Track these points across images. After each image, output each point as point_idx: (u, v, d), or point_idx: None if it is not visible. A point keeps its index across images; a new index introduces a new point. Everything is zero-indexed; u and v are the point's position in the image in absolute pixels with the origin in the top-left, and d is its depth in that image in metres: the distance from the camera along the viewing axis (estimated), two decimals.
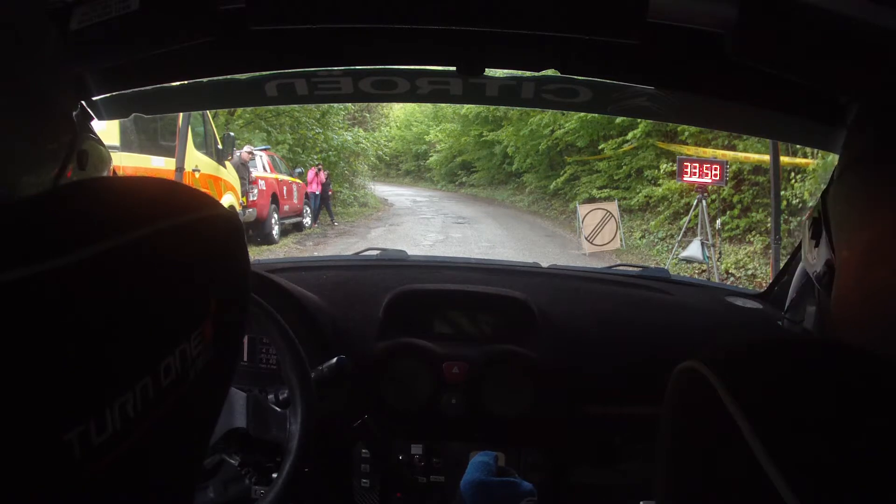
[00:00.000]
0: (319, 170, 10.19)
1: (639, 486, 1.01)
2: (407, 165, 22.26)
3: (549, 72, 0.87)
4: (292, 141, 10.99)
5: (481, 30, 0.68)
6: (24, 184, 0.33)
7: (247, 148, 7.80)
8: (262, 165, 8.34)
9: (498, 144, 14.47)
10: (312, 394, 0.82)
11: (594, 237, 7.51)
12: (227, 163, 6.80)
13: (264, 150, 8.93)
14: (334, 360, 0.90)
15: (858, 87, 0.65)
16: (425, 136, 19.82)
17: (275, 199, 8.30)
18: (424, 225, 10.38)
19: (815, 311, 1.08)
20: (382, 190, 16.18)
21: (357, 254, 1.55)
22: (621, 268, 1.49)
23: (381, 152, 15.95)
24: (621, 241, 7.62)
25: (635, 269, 1.46)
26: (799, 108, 0.81)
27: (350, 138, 12.94)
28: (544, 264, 1.45)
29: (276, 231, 8.22)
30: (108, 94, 0.84)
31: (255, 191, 7.73)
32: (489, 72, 0.88)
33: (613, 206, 7.75)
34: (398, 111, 20.81)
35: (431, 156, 19.68)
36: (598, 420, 1.05)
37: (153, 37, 0.67)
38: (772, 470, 0.23)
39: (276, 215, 8.28)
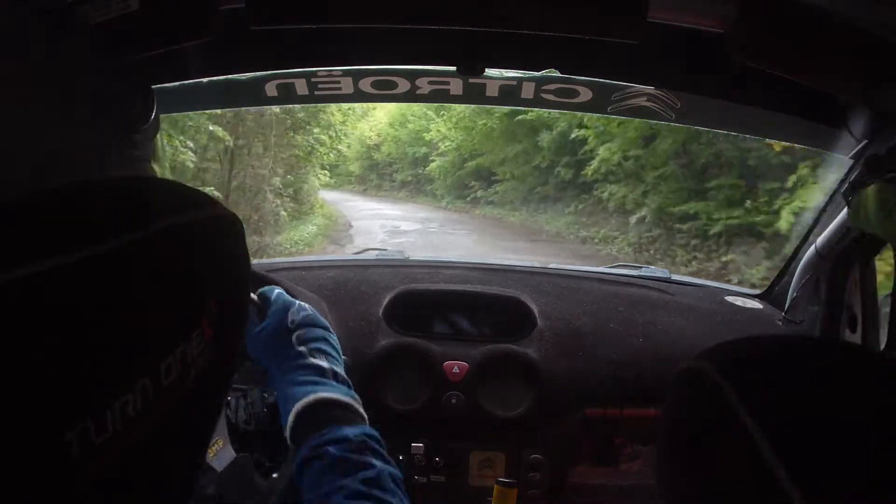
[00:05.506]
0: None
1: (639, 486, 1.01)
2: (403, 175, 14.56)
3: (549, 72, 0.87)
4: None
5: (481, 30, 0.68)
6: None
7: None
8: None
9: (546, 131, 8.44)
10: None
11: None
12: None
13: None
14: None
15: (858, 86, 0.65)
16: (424, 135, 12.91)
17: None
18: None
19: (818, 305, 1.07)
20: (362, 209, 10.57)
21: (357, 254, 1.55)
22: (621, 268, 1.49)
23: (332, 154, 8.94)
24: None
25: (635, 268, 1.46)
26: (799, 108, 0.81)
27: None
28: (543, 264, 1.45)
29: None
30: None
31: None
32: (489, 72, 0.88)
33: None
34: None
35: (433, 160, 12.62)
36: (598, 420, 1.05)
37: (153, 36, 0.67)
38: (778, 468, 0.23)
39: None
